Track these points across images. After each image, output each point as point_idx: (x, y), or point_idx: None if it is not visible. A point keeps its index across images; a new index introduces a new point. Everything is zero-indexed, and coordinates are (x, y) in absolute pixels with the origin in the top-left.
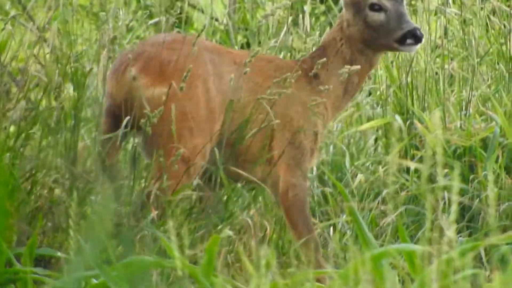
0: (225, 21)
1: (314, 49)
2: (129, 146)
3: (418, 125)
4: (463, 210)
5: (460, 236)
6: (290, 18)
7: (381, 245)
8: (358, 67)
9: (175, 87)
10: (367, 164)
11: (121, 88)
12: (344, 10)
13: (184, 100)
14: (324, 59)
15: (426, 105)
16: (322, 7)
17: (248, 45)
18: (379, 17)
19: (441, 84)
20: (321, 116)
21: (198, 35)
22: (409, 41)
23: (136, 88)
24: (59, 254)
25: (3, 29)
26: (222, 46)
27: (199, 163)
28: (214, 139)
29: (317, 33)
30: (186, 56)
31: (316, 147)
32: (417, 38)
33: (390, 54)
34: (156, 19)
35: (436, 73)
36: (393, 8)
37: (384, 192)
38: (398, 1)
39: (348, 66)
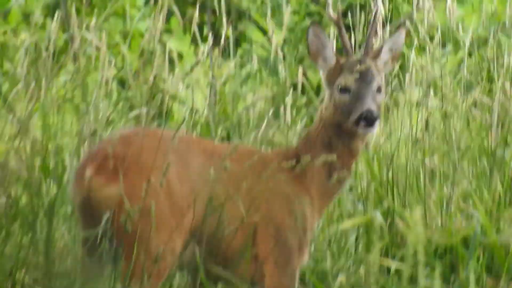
0: (205, 113)
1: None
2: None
3: (399, 223)
4: None
5: None
6: (271, 110)
7: None
8: (334, 156)
9: (131, 183)
10: (348, 263)
11: (80, 189)
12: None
13: (144, 197)
14: (308, 157)
15: (407, 202)
16: (304, 99)
17: (229, 137)
18: (344, 98)
19: (422, 180)
20: (308, 209)
21: (177, 128)
22: (362, 123)
23: (92, 189)
24: None
25: None
26: (191, 135)
27: (169, 260)
28: (185, 233)
29: (299, 126)
30: (142, 149)
31: (305, 242)
32: (368, 121)
33: (370, 147)
34: (136, 111)
35: (417, 169)
36: (355, 89)
37: None
38: (365, 82)
39: (325, 155)
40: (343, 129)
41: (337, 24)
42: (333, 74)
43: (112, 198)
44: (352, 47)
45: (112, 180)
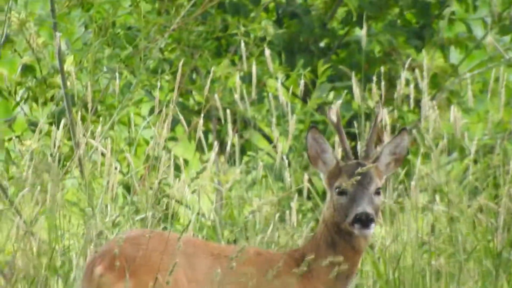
0: (212, 217)
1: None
2: None
3: None
4: None
5: None
6: (277, 214)
7: None
8: (341, 258)
9: (143, 282)
10: None
11: (90, 285)
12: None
13: None
14: (312, 256)
15: None
16: (309, 204)
17: (235, 241)
18: (341, 200)
19: (427, 280)
20: None
21: (182, 231)
22: (356, 225)
23: (102, 286)
24: None
25: None
26: (198, 239)
27: None
28: None
29: (304, 228)
30: (151, 251)
31: None
32: (363, 223)
33: (376, 249)
34: (142, 215)
35: (423, 269)
36: (352, 191)
37: None
38: (363, 185)
39: (332, 256)
40: (342, 229)
41: (337, 127)
42: (333, 176)
43: None
44: (351, 151)
45: (122, 278)
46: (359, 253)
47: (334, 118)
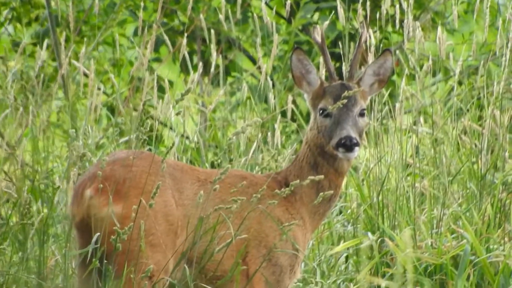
0: (195, 139)
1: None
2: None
3: (389, 243)
4: None
5: None
6: (261, 136)
7: None
8: (321, 176)
9: (133, 204)
10: (338, 281)
11: (80, 208)
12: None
13: (141, 217)
14: (297, 181)
15: (396, 223)
16: (293, 125)
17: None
18: (325, 122)
19: (411, 202)
20: (299, 229)
21: (166, 152)
22: (340, 149)
23: (92, 208)
24: None
25: None
26: (186, 164)
27: (163, 279)
28: (178, 253)
29: (288, 150)
30: (141, 172)
31: (297, 262)
32: (346, 147)
33: (361, 171)
34: (126, 137)
35: (407, 192)
36: (335, 114)
37: None
38: (347, 107)
39: (312, 176)
40: (326, 151)
41: (321, 48)
42: (317, 97)
43: (112, 218)
44: (335, 72)
45: (113, 200)
46: (342, 176)
47: (318, 38)
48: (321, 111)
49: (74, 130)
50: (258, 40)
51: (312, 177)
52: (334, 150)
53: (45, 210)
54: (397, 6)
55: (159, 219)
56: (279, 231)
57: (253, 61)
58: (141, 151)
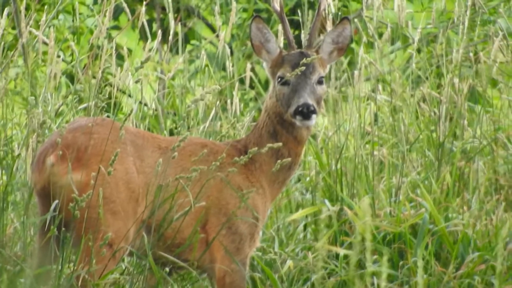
0: (154, 106)
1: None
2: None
3: (348, 211)
4: None
5: None
6: (219, 103)
7: None
8: (280, 144)
9: (92, 172)
10: (297, 250)
11: (41, 176)
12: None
13: (102, 184)
14: (256, 149)
15: (355, 191)
16: (252, 93)
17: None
18: (283, 90)
19: (370, 170)
20: (258, 197)
21: (124, 119)
22: (298, 117)
23: (54, 175)
24: None
25: None
26: (147, 132)
27: (124, 246)
28: (139, 221)
29: (247, 118)
30: (103, 140)
31: (257, 230)
32: (304, 114)
33: (319, 139)
34: (85, 104)
35: (366, 160)
36: (293, 82)
37: (313, 277)
38: (305, 74)
39: (275, 155)
40: (285, 119)
41: (280, 16)
42: (275, 65)
43: (74, 185)
44: (294, 40)
45: (75, 168)
46: (301, 144)
47: (277, 6)
48: (279, 79)
49: (33, 98)
50: (217, 8)
51: (270, 145)
52: (292, 118)
53: (4, 178)
54: None
55: (120, 187)
56: (239, 199)
57: (212, 29)
58: (102, 118)
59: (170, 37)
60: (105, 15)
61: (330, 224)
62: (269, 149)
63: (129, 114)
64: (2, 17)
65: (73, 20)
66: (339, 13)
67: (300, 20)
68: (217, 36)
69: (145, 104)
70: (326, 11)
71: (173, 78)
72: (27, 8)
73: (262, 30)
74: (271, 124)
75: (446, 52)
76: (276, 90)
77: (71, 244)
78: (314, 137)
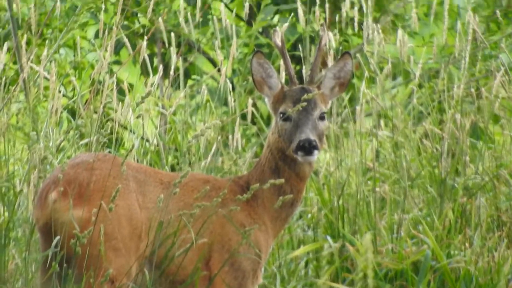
0: (155, 142)
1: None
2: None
3: (350, 247)
4: None
5: None
6: (220, 139)
7: None
8: (282, 180)
9: (94, 208)
10: (298, 286)
11: (43, 212)
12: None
13: (104, 221)
14: (257, 185)
15: (357, 228)
16: (254, 128)
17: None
18: (285, 126)
19: (372, 207)
20: (261, 234)
21: (126, 155)
22: (299, 152)
23: (56, 212)
24: None
25: None
26: (149, 167)
27: (126, 283)
28: (141, 257)
29: (248, 154)
30: (105, 176)
31: (259, 267)
32: (306, 150)
33: (321, 175)
34: (87, 139)
35: (367, 196)
36: (295, 117)
37: None
38: (307, 110)
39: (277, 193)
40: (287, 155)
41: (281, 51)
42: (277, 101)
43: (76, 222)
44: (295, 75)
45: (77, 204)
46: (303, 180)
47: (278, 41)
48: (281, 115)
49: (35, 133)
50: (218, 43)
51: (272, 181)
52: (294, 154)
53: (6, 214)
54: (357, 8)
55: (123, 223)
56: (241, 235)
57: (214, 63)
58: (104, 154)
59: (171, 72)
60: (106, 50)
61: (332, 261)
62: (272, 186)
63: (131, 150)
64: (2, 51)
65: (74, 55)
66: (340, 48)
67: (302, 55)
68: (219, 70)
69: (147, 140)
70: (327, 46)
71: (174, 113)
72: (28, 43)
73: (264, 65)
74: (273, 160)
75: (448, 87)
76: (278, 126)
77: (73, 281)
78: (316, 173)
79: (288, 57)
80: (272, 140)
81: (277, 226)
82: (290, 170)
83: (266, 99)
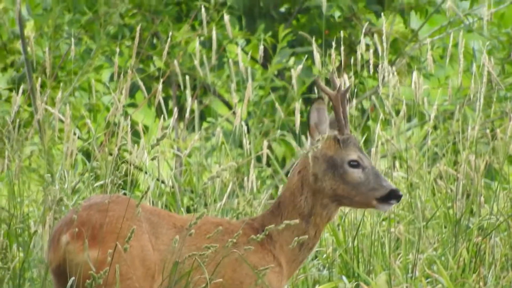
0: (171, 183)
1: (260, 211)
2: None
3: (364, 287)
4: None
5: None
6: (236, 181)
7: None
8: (296, 221)
9: (108, 249)
10: None
11: (57, 254)
12: (311, 164)
13: (118, 262)
14: (272, 225)
15: (371, 268)
16: (269, 170)
17: (195, 209)
18: (358, 174)
19: (387, 247)
20: (274, 275)
21: (141, 197)
22: (392, 201)
23: (69, 253)
24: None
25: None
26: (163, 210)
27: None
28: None
29: (264, 195)
30: (118, 217)
31: None
32: (399, 198)
33: (336, 216)
34: (102, 181)
35: (382, 237)
36: (370, 166)
37: None
38: (371, 161)
39: (300, 237)
40: (346, 201)
41: (334, 102)
42: (329, 147)
43: (89, 264)
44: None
45: (91, 245)
46: (327, 223)
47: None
48: (351, 162)
49: (50, 175)
50: (233, 85)
51: (287, 222)
52: (375, 201)
53: (21, 254)
54: (372, 51)
55: (136, 264)
56: (254, 278)
57: (229, 106)
58: (117, 195)
59: (187, 115)
60: (121, 93)
61: None
62: (295, 229)
63: (146, 191)
64: (18, 94)
65: (89, 98)
66: (356, 90)
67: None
68: (234, 113)
69: (162, 182)
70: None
71: (189, 156)
72: (43, 85)
73: (320, 112)
74: (308, 207)
75: (463, 128)
76: (348, 174)
77: None
78: None
79: (346, 104)
80: (325, 186)
81: (292, 268)
82: (326, 216)
83: (309, 142)
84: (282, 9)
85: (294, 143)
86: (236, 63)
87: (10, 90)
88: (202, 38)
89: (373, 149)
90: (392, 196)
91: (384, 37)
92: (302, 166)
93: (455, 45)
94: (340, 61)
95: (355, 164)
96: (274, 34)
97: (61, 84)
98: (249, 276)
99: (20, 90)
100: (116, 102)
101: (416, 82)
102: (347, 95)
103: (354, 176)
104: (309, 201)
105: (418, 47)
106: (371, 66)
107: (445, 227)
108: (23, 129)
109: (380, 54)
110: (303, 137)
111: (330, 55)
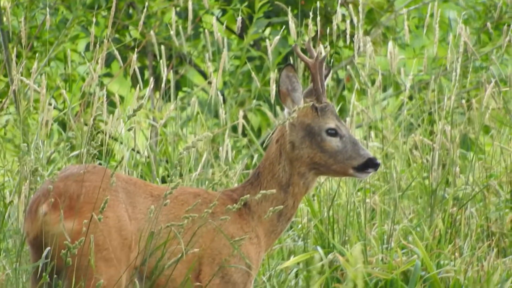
0: (146, 153)
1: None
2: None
3: (340, 258)
4: None
5: None
6: (211, 150)
7: None
8: (273, 191)
9: (84, 220)
10: None
11: (34, 225)
12: (288, 132)
13: (95, 232)
14: (248, 195)
15: (347, 238)
16: (244, 140)
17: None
18: (336, 142)
19: (362, 217)
20: (252, 246)
21: (115, 166)
22: (370, 170)
23: (47, 224)
24: None
25: None
26: (139, 179)
27: None
28: (131, 268)
29: (239, 166)
30: (95, 187)
31: (249, 280)
32: (376, 167)
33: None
34: (77, 151)
35: (358, 207)
36: (348, 135)
37: None
38: (348, 129)
39: (279, 207)
40: (323, 169)
41: (313, 67)
42: (306, 115)
43: (67, 234)
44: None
45: (67, 216)
46: (306, 193)
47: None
48: (329, 131)
49: (25, 145)
50: (209, 55)
51: (264, 192)
52: (352, 170)
53: None
54: (348, 21)
55: (112, 234)
56: (232, 248)
57: (204, 76)
58: (93, 165)
59: (163, 85)
60: (97, 63)
61: (322, 271)
62: (273, 199)
63: (121, 161)
64: None
65: (65, 68)
66: (331, 60)
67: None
68: (209, 83)
69: (138, 152)
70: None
71: (165, 126)
72: (18, 56)
73: (291, 79)
74: (286, 175)
75: (438, 99)
76: (325, 142)
77: None
78: None
79: (323, 73)
80: (302, 154)
81: (270, 239)
82: (303, 185)
83: (285, 111)
84: None
85: (269, 113)
86: (212, 33)
87: None
88: (178, 9)
89: (348, 119)
90: (370, 164)
91: (360, 7)
92: (280, 135)
93: (431, 15)
94: (316, 31)
95: (333, 133)
96: (250, 5)
97: (37, 54)
98: (227, 246)
99: None
100: (92, 72)
101: (392, 52)
102: (325, 64)
103: (332, 144)
104: (286, 169)
105: (393, 18)
106: (347, 36)
107: (421, 198)
108: None
109: (356, 25)
110: (278, 107)
111: (306, 25)
